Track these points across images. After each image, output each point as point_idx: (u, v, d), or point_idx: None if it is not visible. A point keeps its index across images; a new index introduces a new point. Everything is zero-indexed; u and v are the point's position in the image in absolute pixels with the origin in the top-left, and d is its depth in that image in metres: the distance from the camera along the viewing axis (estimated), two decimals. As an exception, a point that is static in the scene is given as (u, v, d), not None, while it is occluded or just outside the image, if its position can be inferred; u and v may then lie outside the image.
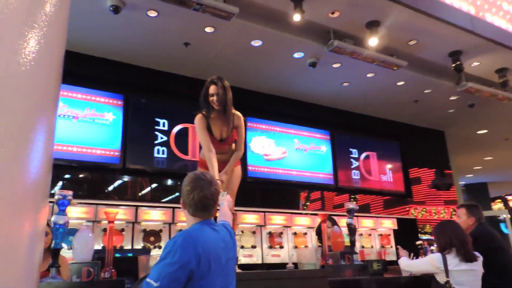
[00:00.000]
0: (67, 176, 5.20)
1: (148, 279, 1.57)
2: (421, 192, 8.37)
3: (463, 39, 5.54)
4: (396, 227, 7.43)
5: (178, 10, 4.42)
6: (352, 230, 3.66)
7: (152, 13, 4.64)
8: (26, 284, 0.68)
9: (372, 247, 7.00)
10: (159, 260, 1.62)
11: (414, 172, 8.40)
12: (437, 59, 6.07)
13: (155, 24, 4.87)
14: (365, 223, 7.13)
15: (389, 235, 7.37)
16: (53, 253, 2.46)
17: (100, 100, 5.39)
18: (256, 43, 5.34)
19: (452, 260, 2.92)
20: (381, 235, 7.25)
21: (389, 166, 8.02)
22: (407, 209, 8.02)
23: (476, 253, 2.99)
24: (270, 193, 6.58)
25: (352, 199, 7.42)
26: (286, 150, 6.78)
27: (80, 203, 4.96)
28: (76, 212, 4.81)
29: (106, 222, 5.06)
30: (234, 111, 3.03)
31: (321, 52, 5.55)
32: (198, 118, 2.97)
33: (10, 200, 0.60)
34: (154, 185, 5.68)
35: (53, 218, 2.47)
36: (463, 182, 14.81)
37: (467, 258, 2.89)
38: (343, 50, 5.33)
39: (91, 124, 5.25)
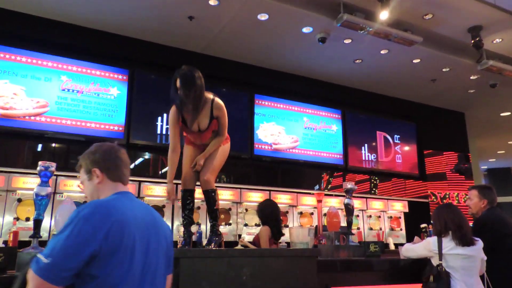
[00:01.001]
0: (70, 150, 5.23)
1: (38, 255, 1.36)
2: (436, 175, 8.11)
3: (483, 13, 5.21)
4: (407, 210, 7.25)
5: (180, -19, 4.30)
6: (349, 210, 3.55)
7: (154, -15, 4.53)
8: None
9: (380, 229, 6.87)
10: (56, 234, 1.42)
11: (430, 155, 8.13)
12: (455, 35, 5.74)
13: (158, -3, 4.76)
14: (374, 205, 6.98)
15: (400, 217, 7.20)
16: (35, 224, 2.47)
17: (105, 74, 5.36)
18: (263, 17, 5.16)
19: (448, 243, 2.79)
20: (391, 217, 7.09)
21: (403, 147, 7.78)
22: (422, 192, 7.79)
23: (475, 238, 2.85)
24: (276, 172, 6.50)
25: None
26: (298, 138, 6.63)
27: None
28: (76, 186, 4.86)
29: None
30: (215, 100, 2.81)
31: (330, 27, 5.33)
32: (172, 110, 2.84)
33: None
34: (157, 161, 5.67)
35: (35, 190, 2.46)
36: (485, 167, 14.34)
37: (464, 241, 2.75)
38: (354, 25, 5.10)
39: (95, 98, 5.25)
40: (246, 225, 5.74)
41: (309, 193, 6.43)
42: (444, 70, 6.69)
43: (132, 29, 5.45)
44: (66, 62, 5.17)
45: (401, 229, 7.09)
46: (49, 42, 5.17)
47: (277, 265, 2.61)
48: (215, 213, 2.93)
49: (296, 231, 3.20)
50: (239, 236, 5.60)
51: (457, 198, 8.10)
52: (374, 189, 7.32)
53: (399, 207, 7.21)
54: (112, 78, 5.40)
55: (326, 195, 6.60)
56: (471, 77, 6.97)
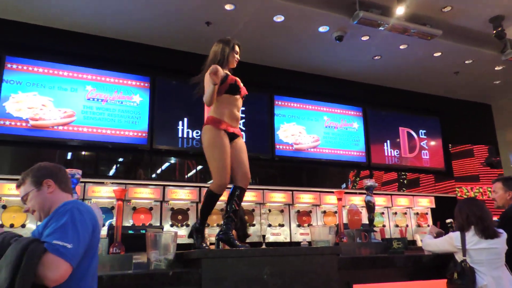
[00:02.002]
0: (97, 157, 5.42)
1: (55, 241, 1.47)
2: (463, 169, 7.92)
3: (504, 3, 5.09)
4: (434, 206, 7.11)
5: (195, -12, 4.40)
6: (370, 207, 3.55)
7: (171, -7, 4.65)
8: None
9: (407, 226, 6.77)
10: (61, 224, 1.53)
11: (456, 149, 7.94)
12: (476, 26, 5.62)
13: (176, 5, 4.88)
14: (400, 202, 6.89)
15: (427, 213, 7.08)
16: (64, 228, 2.59)
17: (127, 82, 5.53)
18: (279, 18, 5.21)
19: (471, 238, 2.76)
20: (417, 213, 6.98)
21: (427, 142, 7.65)
22: (449, 187, 7.63)
23: (499, 230, 2.81)
24: (298, 171, 6.52)
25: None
26: (319, 138, 6.63)
27: (113, 183, 5.18)
28: (107, 192, 5.03)
29: (136, 201, 5.29)
30: None
31: (347, 25, 5.32)
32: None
33: None
34: (181, 165, 5.80)
35: (64, 196, 2.59)
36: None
37: (486, 234, 2.72)
38: (370, 21, 5.08)
39: (119, 106, 5.42)
40: (270, 225, 5.79)
41: (333, 192, 6.41)
42: (467, 62, 6.55)
43: (151, 37, 5.60)
44: (90, 72, 5.37)
45: (428, 225, 6.95)
46: (74, 54, 5.38)
47: (298, 263, 2.64)
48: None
49: (317, 230, 3.23)
50: (263, 237, 5.65)
51: (490, 192, 7.88)
52: (400, 186, 7.22)
53: (425, 203, 7.09)
54: (134, 85, 5.57)
55: (350, 193, 6.58)
56: (496, 68, 6.79)
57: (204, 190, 5.42)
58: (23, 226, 4.58)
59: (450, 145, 7.90)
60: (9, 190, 4.58)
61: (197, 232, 2.87)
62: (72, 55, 5.37)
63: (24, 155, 5.02)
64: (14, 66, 5.00)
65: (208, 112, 2.96)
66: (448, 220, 4.33)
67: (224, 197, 2.90)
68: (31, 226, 4.62)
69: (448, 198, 7.48)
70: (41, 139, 4.96)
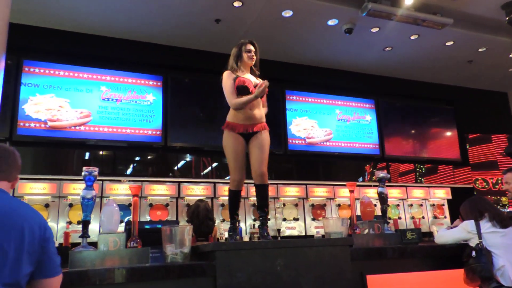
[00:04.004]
0: (113, 156, 5.55)
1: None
2: (481, 155, 7.78)
3: (516, -12, 5.00)
4: (450, 197, 7.05)
5: (204, -13, 4.46)
6: (383, 199, 3.55)
7: (180, -7, 4.72)
8: None
9: (423, 217, 6.73)
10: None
11: (476, 139, 7.82)
12: (488, 13, 5.54)
13: (185, 4, 4.94)
14: (415, 193, 6.85)
15: (443, 205, 7.02)
16: (83, 225, 2.69)
17: (141, 82, 5.64)
18: (287, 13, 5.23)
19: (485, 224, 2.79)
20: (433, 205, 6.93)
21: (442, 133, 7.57)
22: (466, 177, 7.54)
23: (514, 219, 2.81)
24: (311, 165, 6.54)
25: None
26: (331, 131, 6.63)
27: (129, 180, 5.30)
28: (124, 189, 5.15)
29: (152, 198, 5.39)
30: None
31: (356, 17, 5.31)
32: (226, 72, 3.15)
33: None
34: (195, 162, 5.88)
35: (81, 193, 2.68)
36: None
37: (501, 223, 2.72)
38: (380, 13, 5.07)
39: (133, 105, 5.53)
40: (284, 219, 5.83)
41: (345, 185, 6.42)
42: (480, 50, 6.46)
43: (163, 36, 5.68)
44: (105, 73, 5.49)
45: (445, 217, 6.91)
46: (88, 56, 5.51)
47: (311, 255, 2.68)
48: (267, 207, 3.07)
49: (330, 222, 3.25)
50: (279, 231, 5.71)
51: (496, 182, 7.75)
52: (417, 177, 7.18)
53: (441, 194, 7.03)
54: (147, 85, 5.67)
55: (365, 186, 6.57)
56: (511, 55, 6.68)
57: (218, 186, 5.54)
58: (45, 224, 4.72)
59: (466, 134, 7.79)
60: (31, 189, 4.73)
61: (229, 229, 3.10)
62: (87, 57, 5.49)
63: (43, 155, 5.18)
64: (32, 69, 5.15)
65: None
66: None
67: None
68: (53, 224, 4.77)
69: (465, 189, 7.40)
70: (60, 139, 5.10)
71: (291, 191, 5.99)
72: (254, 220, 5.56)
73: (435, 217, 6.87)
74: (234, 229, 3.09)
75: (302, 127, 6.45)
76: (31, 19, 5.14)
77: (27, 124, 4.97)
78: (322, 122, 6.61)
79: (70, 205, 4.89)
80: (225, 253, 2.47)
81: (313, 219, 6.03)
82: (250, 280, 2.44)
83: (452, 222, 6.78)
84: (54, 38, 5.36)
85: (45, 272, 1.58)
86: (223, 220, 5.47)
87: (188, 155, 5.84)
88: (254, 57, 3.18)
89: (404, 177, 7.08)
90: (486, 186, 7.57)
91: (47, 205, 4.80)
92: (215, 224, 4.71)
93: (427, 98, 7.64)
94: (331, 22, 5.46)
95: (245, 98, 2.97)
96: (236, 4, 4.94)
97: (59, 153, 5.27)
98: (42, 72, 5.19)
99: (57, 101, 5.18)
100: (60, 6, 4.89)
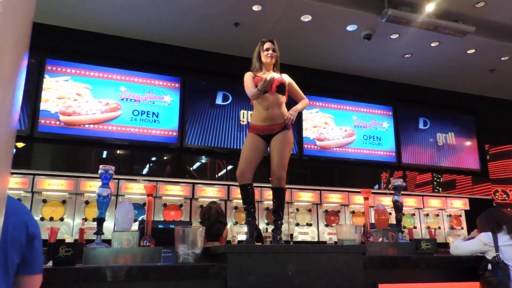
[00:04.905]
0: (130, 155, 5.62)
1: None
2: (501, 171, 7.62)
3: (542, -3, 4.90)
4: (468, 208, 6.90)
5: (223, -10, 4.51)
6: (398, 207, 3.51)
7: (200, -4, 4.76)
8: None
9: (439, 228, 6.61)
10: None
11: (495, 149, 7.65)
12: (511, 22, 5.43)
13: (204, 7, 4.99)
14: (431, 203, 6.73)
15: (460, 216, 6.88)
16: (98, 222, 2.74)
17: (159, 83, 5.71)
18: (306, 18, 5.23)
19: (503, 237, 2.73)
20: (450, 215, 6.80)
21: (461, 142, 7.43)
22: (485, 188, 7.38)
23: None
24: (326, 171, 6.50)
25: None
26: (354, 131, 6.58)
27: (144, 180, 5.36)
28: (139, 189, 5.21)
29: (167, 198, 5.43)
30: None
31: (375, 23, 5.27)
32: (247, 73, 3.17)
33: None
34: (210, 163, 5.92)
35: (97, 191, 2.73)
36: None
37: None
38: (400, 19, 5.02)
39: (151, 106, 5.60)
40: (297, 224, 5.81)
41: (360, 192, 6.36)
42: (502, 59, 6.33)
43: (181, 38, 5.75)
44: (124, 74, 5.58)
45: (462, 228, 6.77)
46: (108, 56, 5.61)
47: (323, 261, 2.67)
48: (283, 212, 3.06)
49: (343, 229, 3.23)
50: (291, 235, 5.68)
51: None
52: (434, 187, 7.06)
53: (459, 205, 6.90)
54: (165, 86, 5.73)
55: (380, 194, 6.50)
56: (535, 65, 6.53)
57: (232, 189, 5.56)
58: (62, 219, 4.81)
59: (487, 145, 7.63)
60: (49, 185, 4.83)
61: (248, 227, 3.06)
62: (107, 57, 5.60)
63: (62, 153, 5.29)
64: (54, 68, 5.27)
65: None
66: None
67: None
68: (69, 220, 4.86)
69: (483, 200, 7.24)
70: (78, 137, 5.21)
71: (305, 196, 5.97)
72: (267, 224, 5.55)
73: (451, 227, 6.74)
74: (252, 230, 3.01)
75: (317, 131, 6.42)
76: (54, 19, 5.27)
77: (47, 122, 5.09)
78: (339, 125, 6.59)
79: (86, 202, 4.97)
80: (236, 255, 2.47)
81: (326, 225, 5.99)
82: (260, 284, 2.44)
83: (469, 233, 6.67)
84: (76, 38, 5.48)
85: (27, 268, 1.56)
86: (236, 223, 5.48)
87: (203, 156, 5.88)
88: (274, 55, 3.15)
89: (421, 188, 6.96)
90: (506, 198, 7.39)
91: (64, 202, 4.89)
92: (227, 226, 4.74)
93: (447, 106, 7.52)
94: (350, 28, 5.43)
95: (254, 90, 2.99)
96: (256, 8, 4.97)
97: (77, 151, 5.38)
98: (64, 71, 5.31)
99: (74, 87, 5.29)
100: (82, 8, 5.00)
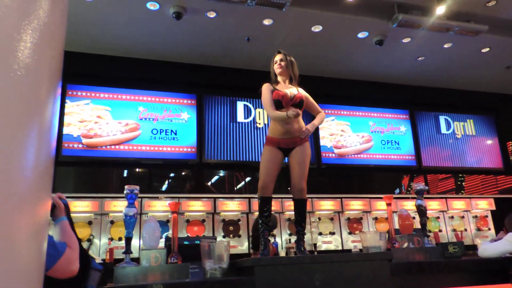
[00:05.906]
0: (150, 173, 5.72)
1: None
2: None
3: (555, -9, 4.85)
4: (494, 208, 6.75)
5: (234, 7, 4.62)
6: (421, 211, 3.49)
7: (211, 14, 4.87)
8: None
9: (465, 230, 6.48)
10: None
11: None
12: (525, 18, 5.38)
13: (216, 24, 5.10)
14: (456, 205, 6.61)
15: (486, 216, 6.73)
16: (126, 241, 2.80)
17: (176, 101, 5.82)
18: (317, 28, 5.28)
19: (533, 237, 2.67)
20: (476, 217, 6.66)
21: (482, 141, 7.32)
22: (509, 187, 7.22)
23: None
24: (346, 178, 6.48)
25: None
26: (371, 137, 6.56)
27: (166, 197, 5.44)
28: (162, 206, 5.28)
29: (189, 214, 5.49)
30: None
31: (386, 29, 5.29)
32: (265, 84, 3.23)
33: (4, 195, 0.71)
34: (230, 177, 5.97)
35: (124, 211, 2.80)
36: None
37: None
38: (410, 23, 5.03)
39: (169, 124, 5.70)
40: (320, 234, 5.78)
41: (382, 198, 6.31)
42: (518, 55, 6.25)
43: (195, 56, 5.87)
44: (142, 94, 5.71)
45: (489, 229, 6.62)
46: (126, 78, 5.76)
47: (349, 269, 2.67)
48: (305, 222, 3.07)
49: (368, 236, 3.22)
50: (315, 245, 5.66)
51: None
52: (456, 188, 6.96)
53: (484, 205, 6.75)
54: (182, 104, 5.84)
55: (403, 198, 6.42)
56: (552, 59, 6.42)
57: (253, 201, 5.58)
58: (89, 240, 4.92)
59: (509, 143, 7.49)
60: (75, 207, 4.95)
61: (262, 240, 3.01)
62: (124, 79, 5.75)
63: (85, 174, 5.42)
64: (75, 92, 5.44)
65: None
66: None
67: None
68: (95, 240, 4.96)
69: (510, 199, 7.09)
70: (100, 159, 5.33)
71: (326, 205, 5.95)
72: (290, 234, 5.55)
73: (478, 229, 6.59)
74: (266, 241, 2.97)
75: (335, 139, 6.42)
76: (73, 46, 5.45)
77: (70, 145, 5.23)
78: (356, 131, 6.58)
79: (112, 222, 5.07)
80: (263, 268, 2.50)
81: (350, 233, 5.94)
82: (288, 295, 2.46)
83: (497, 234, 6.52)
84: (94, 63, 5.65)
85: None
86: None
87: (221, 170, 5.94)
88: (281, 65, 3.25)
89: (443, 189, 6.87)
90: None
91: (90, 223, 5.00)
92: None
93: (464, 107, 7.43)
94: (361, 35, 5.46)
95: (278, 115, 3.03)
96: (266, 22, 5.05)
97: (99, 172, 5.51)
98: (84, 95, 5.47)
99: (94, 110, 5.43)
100: (100, 34, 5.17)
